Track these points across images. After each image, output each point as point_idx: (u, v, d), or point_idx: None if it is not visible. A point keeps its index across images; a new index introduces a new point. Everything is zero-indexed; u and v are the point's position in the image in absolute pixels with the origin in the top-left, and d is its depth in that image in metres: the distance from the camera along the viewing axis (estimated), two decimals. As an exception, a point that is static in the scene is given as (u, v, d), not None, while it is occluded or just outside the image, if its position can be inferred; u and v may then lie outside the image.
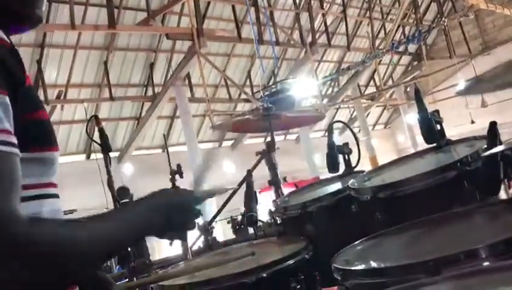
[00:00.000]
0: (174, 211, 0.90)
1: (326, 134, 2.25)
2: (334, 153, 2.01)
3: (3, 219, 0.66)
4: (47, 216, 0.80)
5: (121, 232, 0.82)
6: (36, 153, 0.80)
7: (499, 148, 1.27)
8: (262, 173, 2.75)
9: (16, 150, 0.71)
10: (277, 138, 2.69)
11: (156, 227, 0.89)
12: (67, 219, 0.81)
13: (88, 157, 11.50)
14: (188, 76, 12.00)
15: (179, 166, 2.41)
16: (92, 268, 0.81)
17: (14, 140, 0.71)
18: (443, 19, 12.92)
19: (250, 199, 2.02)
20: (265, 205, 2.59)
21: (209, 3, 11.91)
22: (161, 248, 12.03)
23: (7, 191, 0.68)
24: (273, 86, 11.33)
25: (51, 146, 0.83)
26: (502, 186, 1.35)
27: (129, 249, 2.31)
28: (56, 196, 0.84)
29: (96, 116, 2.47)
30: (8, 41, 0.76)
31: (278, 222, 2.01)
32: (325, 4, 14.46)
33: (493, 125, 1.37)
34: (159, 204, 0.90)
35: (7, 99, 0.72)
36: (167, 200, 0.92)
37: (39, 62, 9.89)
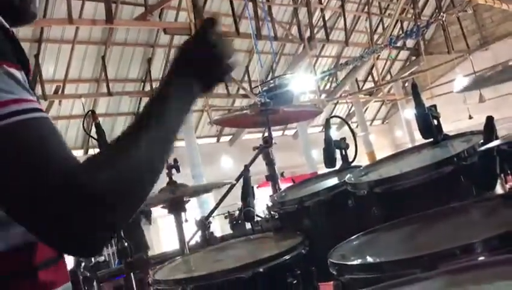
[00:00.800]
0: (203, 67, 0.90)
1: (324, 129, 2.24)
2: (331, 148, 2.00)
3: (66, 177, 0.64)
4: None
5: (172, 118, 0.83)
6: None
7: (495, 143, 1.27)
8: (260, 169, 2.75)
9: (46, 114, 0.70)
10: (275, 134, 2.68)
11: (195, 91, 0.89)
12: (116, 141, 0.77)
13: (86, 152, 11.49)
14: (186, 71, 11.97)
15: (175, 160, 2.41)
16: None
17: (39, 106, 0.70)
18: (441, 13, 12.91)
19: (248, 194, 2.01)
20: (263, 201, 2.59)
21: (207, -3, 11.89)
22: (159, 243, 12.03)
23: (56, 149, 0.67)
24: (271, 81, 11.33)
25: None
26: (498, 181, 1.35)
27: (126, 243, 2.32)
28: None
29: (93, 111, 2.46)
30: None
31: (275, 217, 2.01)
32: (323, -1, 14.44)
33: (490, 120, 1.37)
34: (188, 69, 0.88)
35: (23, 74, 0.71)
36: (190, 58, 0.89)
37: (37, 57, 9.87)
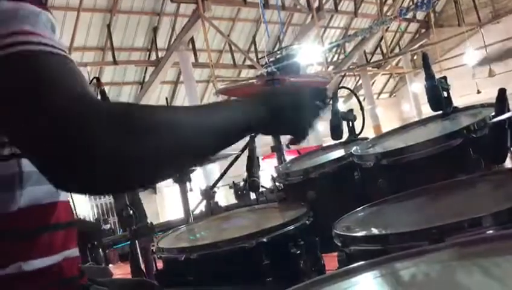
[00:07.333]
0: (282, 106, 0.87)
1: (331, 101, 2.20)
2: (338, 119, 1.97)
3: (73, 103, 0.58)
4: None
5: (221, 120, 0.77)
6: None
7: (506, 115, 1.24)
8: (265, 140, 2.73)
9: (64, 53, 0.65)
10: (281, 105, 2.65)
11: (260, 121, 0.85)
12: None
13: (91, 121, 11.51)
14: (192, 40, 11.86)
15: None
16: (196, 162, 0.78)
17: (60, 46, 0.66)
18: (453, -15, 12.64)
19: (253, 164, 2.00)
20: (268, 172, 2.58)
21: (214, -35, 11.66)
22: (164, 212, 12.13)
23: (73, 80, 0.62)
24: (278, 52, 11.21)
25: None
26: (509, 155, 1.33)
27: (131, 212, 2.32)
28: None
29: (97, 78, 2.43)
30: None
31: (280, 188, 2.00)
32: (332, -32, 14.15)
33: (502, 92, 1.33)
34: (265, 98, 0.87)
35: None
36: (275, 95, 0.90)
37: (41, 24, 9.78)
